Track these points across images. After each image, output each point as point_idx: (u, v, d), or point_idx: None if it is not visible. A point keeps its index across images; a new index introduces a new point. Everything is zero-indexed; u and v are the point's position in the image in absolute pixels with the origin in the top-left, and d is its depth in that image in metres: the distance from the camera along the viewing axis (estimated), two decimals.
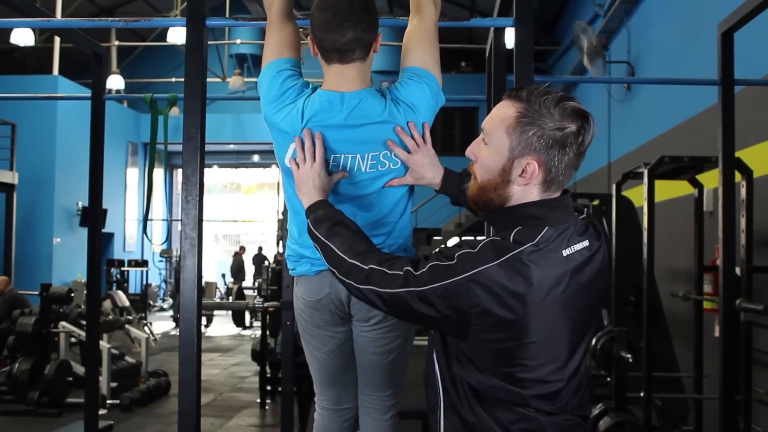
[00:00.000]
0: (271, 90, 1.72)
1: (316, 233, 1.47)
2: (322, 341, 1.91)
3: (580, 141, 1.25)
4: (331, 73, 1.69)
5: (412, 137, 1.69)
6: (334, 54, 1.65)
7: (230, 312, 12.89)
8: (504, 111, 1.29)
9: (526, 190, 1.29)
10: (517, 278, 1.20)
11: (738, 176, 3.36)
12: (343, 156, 1.68)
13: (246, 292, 11.50)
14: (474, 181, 1.35)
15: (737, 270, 3.35)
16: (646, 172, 3.92)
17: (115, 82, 12.44)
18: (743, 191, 3.54)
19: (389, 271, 1.29)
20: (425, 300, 1.24)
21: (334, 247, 1.40)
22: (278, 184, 15.03)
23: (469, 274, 1.21)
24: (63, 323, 5.87)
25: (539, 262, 1.22)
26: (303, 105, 1.67)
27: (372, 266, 1.31)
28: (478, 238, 1.30)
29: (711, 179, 4.02)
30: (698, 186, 4.31)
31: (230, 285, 14.07)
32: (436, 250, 1.32)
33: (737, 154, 2.86)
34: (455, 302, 1.22)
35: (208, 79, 3.71)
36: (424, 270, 1.25)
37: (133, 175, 15.49)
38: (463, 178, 1.75)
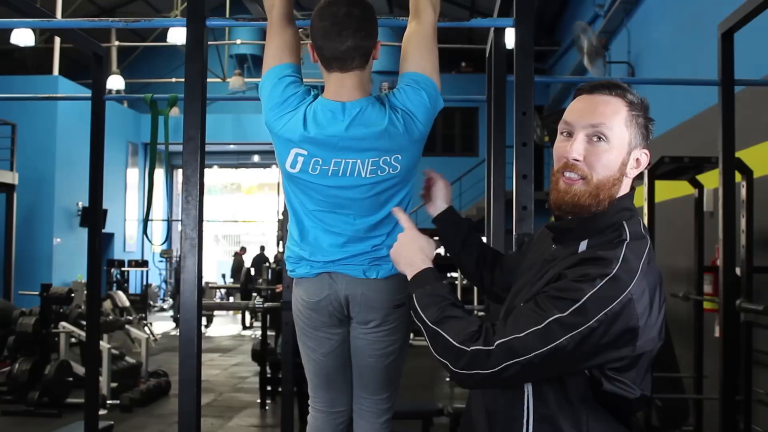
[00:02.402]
0: (273, 97, 1.74)
1: (424, 317, 1.24)
2: (319, 343, 1.91)
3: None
4: (331, 82, 1.73)
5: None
6: (334, 62, 1.69)
7: (230, 311, 12.94)
8: (613, 105, 1.26)
9: (626, 183, 1.30)
10: (651, 274, 1.19)
11: (738, 176, 3.36)
12: (344, 161, 1.70)
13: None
14: (583, 183, 1.25)
15: (737, 270, 3.34)
16: (646, 172, 3.92)
17: (116, 82, 12.43)
18: (743, 191, 3.54)
19: (526, 330, 1.12)
20: (588, 338, 1.11)
21: (448, 337, 1.18)
22: (278, 184, 15.03)
23: (629, 288, 1.13)
24: (63, 323, 5.86)
25: (652, 252, 1.23)
26: (305, 113, 1.70)
27: (499, 341, 1.14)
28: (604, 252, 1.18)
29: (711, 179, 4.02)
30: (698, 186, 4.31)
31: (230, 285, 14.07)
32: (561, 282, 1.16)
33: (737, 154, 2.85)
34: (618, 326, 1.12)
35: (209, 80, 3.71)
36: (576, 305, 1.11)
37: (133, 175, 15.49)
38: (467, 231, 1.71)
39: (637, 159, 1.27)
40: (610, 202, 1.25)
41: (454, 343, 1.17)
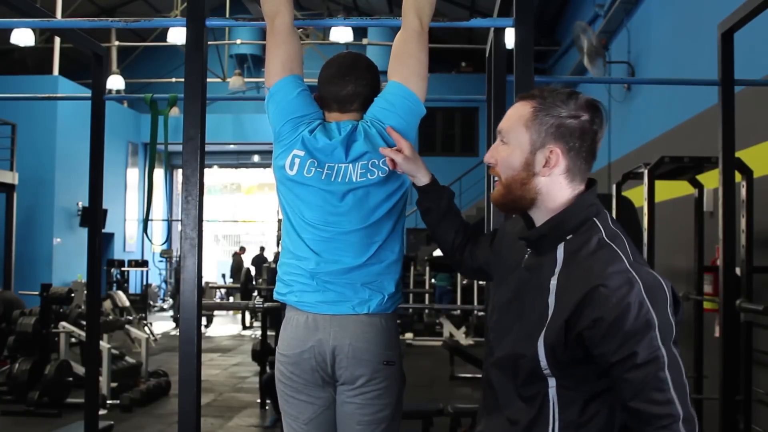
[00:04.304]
0: (292, 109, 1.83)
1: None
2: (301, 409, 1.79)
3: (594, 129, 1.29)
4: (330, 118, 1.85)
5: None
6: (334, 104, 1.83)
7: (230, 311, 12.94)
8: (519, 109, 1.31)
9: (553, 181, 1.29)
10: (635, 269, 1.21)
11: (738, 176, 3.36)
12: (336, 165, 1.79)
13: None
14: (498, 185, 1.34)
15: (737, 270, 3.34)
16: (646, 172, 3.92)
17: (115, 82, 12.44)
18: (743, 191, 3.54)
19: (668, 397, 1.15)
20: (675, 333, 1.18)
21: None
22: None
23: (658, 282, 1.19)
24: (63, 323, 5.86)
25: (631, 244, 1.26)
26: (313, 127, 1.81)
27: (679, 426, 1.15)
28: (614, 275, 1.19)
29: (711, 179, 4.02)
30: (698, 186, 4.31)
31: (230, 285, 14.06)
32: (625, 356, 1.15)
33: (737, 154, 2.86)
34: (675, 306, 1.19)
35: (208, 80, 3.70)
36: (652, 333, 1.15)
37: (133, 175, 15.49)
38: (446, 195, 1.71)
39: (547, 157, 1.27)
40: (531, 198, 1.30)
41: None
